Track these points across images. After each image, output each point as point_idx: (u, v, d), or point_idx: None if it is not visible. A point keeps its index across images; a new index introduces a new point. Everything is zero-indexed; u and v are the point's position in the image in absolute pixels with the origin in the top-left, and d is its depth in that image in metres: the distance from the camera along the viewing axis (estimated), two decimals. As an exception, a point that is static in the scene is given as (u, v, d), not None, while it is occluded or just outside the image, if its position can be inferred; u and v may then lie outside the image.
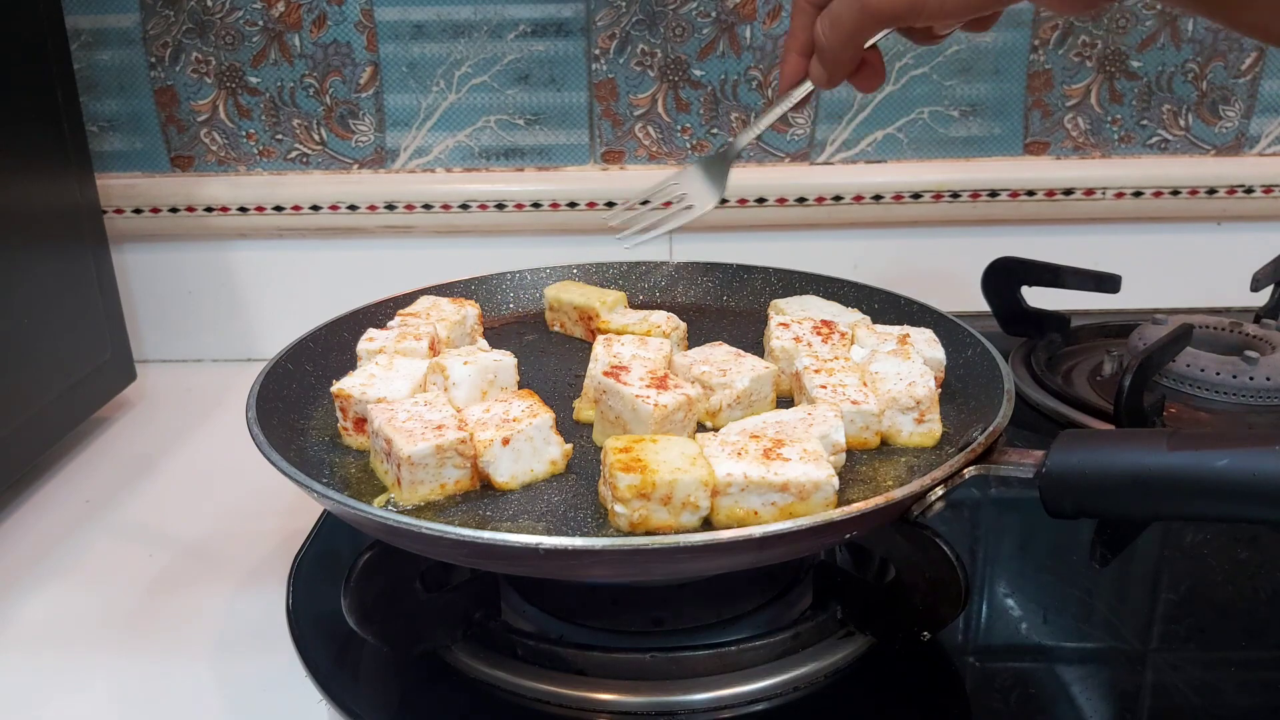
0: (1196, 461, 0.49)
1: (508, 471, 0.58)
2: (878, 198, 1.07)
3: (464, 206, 1.07)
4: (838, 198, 1.07)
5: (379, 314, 0.79)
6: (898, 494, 0.51)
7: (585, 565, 0.51)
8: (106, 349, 0.95)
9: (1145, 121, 1.08)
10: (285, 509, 0.81)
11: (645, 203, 0.75)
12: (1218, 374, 0.86)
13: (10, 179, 0.81)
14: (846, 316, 0.76)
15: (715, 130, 1.07)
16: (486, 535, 0.49)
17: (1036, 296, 0.97)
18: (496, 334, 0.83)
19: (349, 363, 0.70)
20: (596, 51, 1.04)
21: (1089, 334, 1.01)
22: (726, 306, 0.88)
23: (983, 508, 0.78)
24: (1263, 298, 1.00)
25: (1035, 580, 0.69)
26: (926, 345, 0.70)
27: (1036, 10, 1.02)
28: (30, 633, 0.68)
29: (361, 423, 0.63)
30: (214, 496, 0.85)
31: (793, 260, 0.89)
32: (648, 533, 0.52)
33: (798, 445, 0.55)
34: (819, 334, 0.71)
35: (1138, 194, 1.08)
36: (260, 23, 1.03)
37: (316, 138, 1.07)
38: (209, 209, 1.07)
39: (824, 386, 0.63)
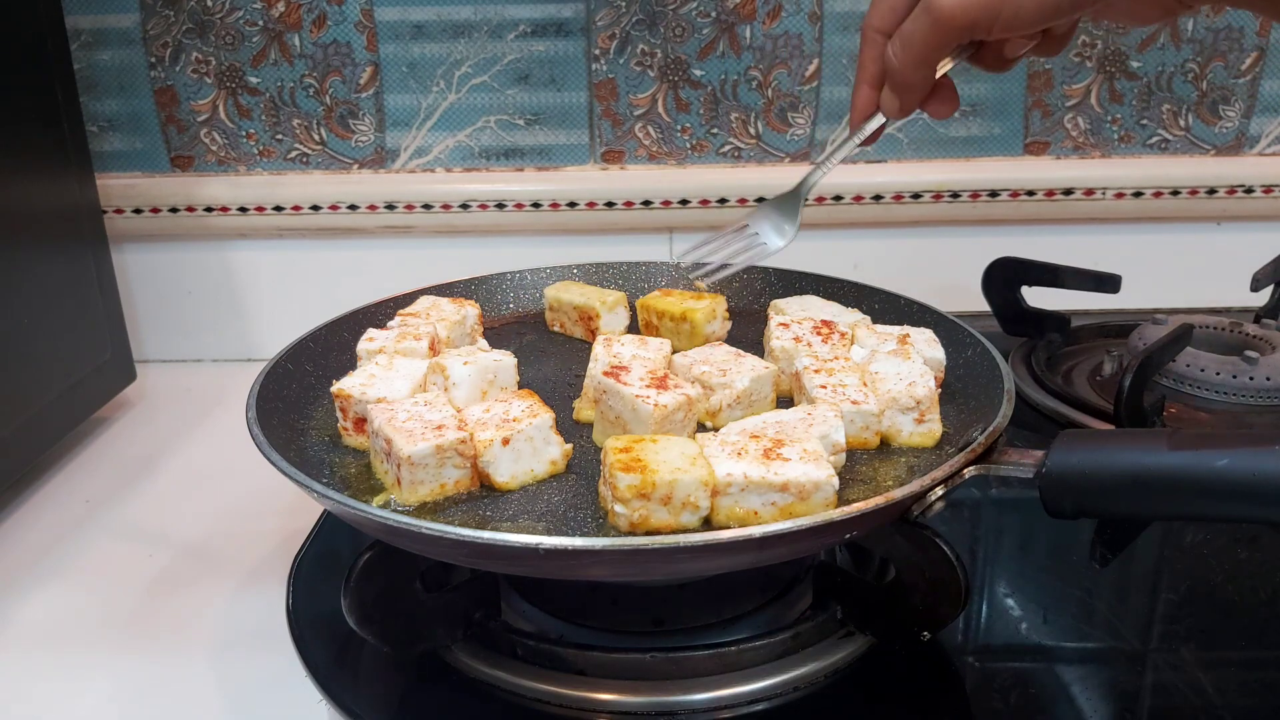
0: (1196, 461, 0.49)
1: (508, 471, 0.58)
2: (878, 198, 1.07)
3: (464, 206, 1.07)
4: (838, 198, 1.07)
5: (379, 314, 0.79)
6: (898, 494, 0.51)
7: (585, 565, 0.51)
8: (106, 349, 0.95)
9: (1145, 121, 1.07)
10: (285, 509, 0.81)
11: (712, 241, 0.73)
12: (1218, 374, 0.86)
13: (10, 179, 0.81)
14: (846, 316, 0.76)
15: (715, 130, 1.07)
16: (486, 535, 0.49)
17: (1036, 296, 0.97)
18: (496, 334, 0.83)
19: (349, 363, 0.70)
20: (596, 51, 1.04)
21: (1089, 334, 1.01)
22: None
23: (983, 508, 0.78)
24: (1262, 298, 1.00)
25: (1035, 580, 0.69)
26: (926, 345, 0.70)
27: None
28: (30, 633, 0.68)
29: (361, 423, 0.63)
30: (214, 496, 0.85)
31: (793, 260, 0.89)
32: (648, 533, 0.52)
33: (798, 445, 0.55)
34: (819, 334, 0.71)
35: (1138, 194, 1.08)
36: (260, 23, 1.03)
37: (316, 138, 1.07)
38: (209, 209, 1.07)
39: (824, 386, 0.63)
